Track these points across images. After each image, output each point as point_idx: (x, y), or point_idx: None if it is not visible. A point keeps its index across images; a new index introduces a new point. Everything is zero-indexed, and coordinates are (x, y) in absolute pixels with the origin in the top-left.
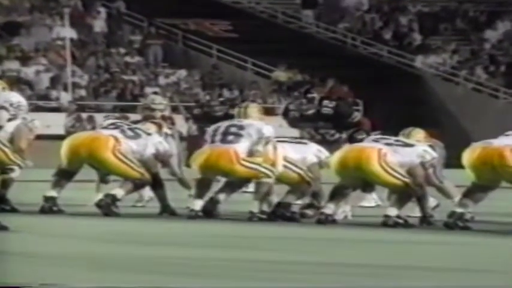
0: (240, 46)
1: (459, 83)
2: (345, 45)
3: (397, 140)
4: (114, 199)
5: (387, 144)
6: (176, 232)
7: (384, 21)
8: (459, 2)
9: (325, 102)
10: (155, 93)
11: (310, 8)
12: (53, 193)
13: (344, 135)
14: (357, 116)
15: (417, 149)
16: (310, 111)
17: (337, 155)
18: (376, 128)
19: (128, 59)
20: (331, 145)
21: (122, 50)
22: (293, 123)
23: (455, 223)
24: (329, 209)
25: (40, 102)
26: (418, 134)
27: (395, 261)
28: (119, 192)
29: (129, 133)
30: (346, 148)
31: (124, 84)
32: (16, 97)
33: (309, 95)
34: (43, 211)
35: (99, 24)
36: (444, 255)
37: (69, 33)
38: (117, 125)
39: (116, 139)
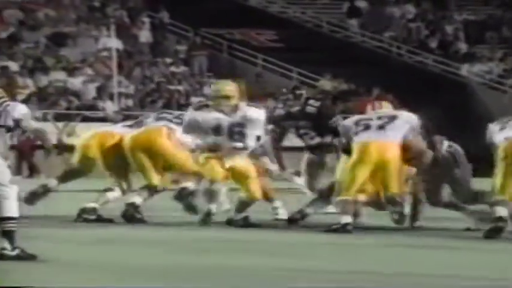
0: (285, 55)
1: (506, 92)
2: (391, 54)
3: None
4: (135, 207)
5: None
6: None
7: (430, 30)
8: (505, 10)
9: (311, 101)
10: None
11: (356, 17)
12: (136, 199)
13: (327, 140)
14: (338, 120)
15: None
16: (295, 108)
17: None
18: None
19: (173, 68)
20: (310, 150)
21: (168, 60)
22: (276, 121)
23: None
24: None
25: (87, 113)
26: None
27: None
28: (137, 199)
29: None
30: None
31: (170, 94)
32: None
33: (297, 92)
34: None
35: (145, 35)
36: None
37: (115, 43)
38: (164, 117)
39: (169, 128)
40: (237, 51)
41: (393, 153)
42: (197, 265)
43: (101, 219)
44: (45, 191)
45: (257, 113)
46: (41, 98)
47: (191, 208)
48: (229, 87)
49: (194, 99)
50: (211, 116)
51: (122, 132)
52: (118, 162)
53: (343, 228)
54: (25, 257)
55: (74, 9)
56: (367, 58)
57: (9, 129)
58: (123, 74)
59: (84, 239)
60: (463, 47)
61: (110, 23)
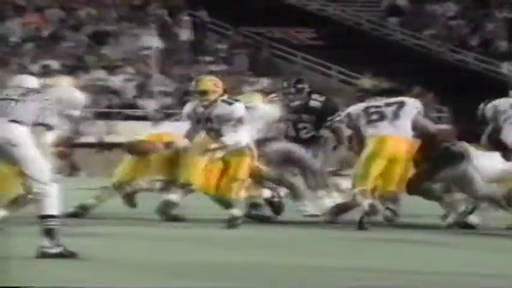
0: (325, 53)
1: None
2: (431, 52)
3: None
4: (170, 204)
5: None
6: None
7: (471, 27)
8: None
9: (315, 95)
10: None
11: (396, 15)
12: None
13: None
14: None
15: None
16: (296, 102)
17: None
18: (463, 137)
19: (213, 67)
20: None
21: (208, 59)
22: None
23: None
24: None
25: (127, 111)
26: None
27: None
28: (173, 197)
29: None
30: None
31: None
32: None
33: (299, 86)
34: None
35: (185, 33)
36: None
37: (155, 42)
38: None
39: None
40: (276, 49)
41: (407, 150)
42: (218, 262)
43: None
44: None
45: (229, 110)
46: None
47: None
48: (208, 82)
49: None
50: (197, 110)
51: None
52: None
53: (368, 214)
54: (67, 254)
55: (115, 8)
56: (408, 56)
57: (49, 128)
58: (164, 72)
59: (118, 236)
60: (503, 45)
61: (151, 22)
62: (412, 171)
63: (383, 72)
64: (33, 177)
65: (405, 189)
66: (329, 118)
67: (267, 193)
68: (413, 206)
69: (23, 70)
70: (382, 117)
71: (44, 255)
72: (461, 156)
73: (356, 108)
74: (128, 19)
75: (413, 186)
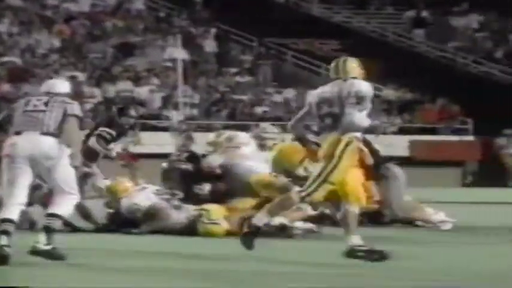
0: None
1: None
2: (455, 64)
3: None
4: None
5: None
6: None
7: (495, 40)
8: None
9: None
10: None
11: (421, 27)
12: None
13: None
14: None
15: None
16: None
17: None
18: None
19: (238, 78)
20: None
21: (233, 70)
22: None
23: None
24: None
25: (153, 122)
26: None
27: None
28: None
29: None
30: None
31: (234, 104)
32: None
33: None
34: None
35: (210, 44)
36: None
37: (181, 53)
38: None
39: None
40: (301, 60)
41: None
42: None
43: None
44: None
45: None
46: (107, 108)
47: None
48: None
49: (258, 109)
50: None
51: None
52: None
53: None
54: (55, 255)
55: (141, 19)
56: (432, 68)
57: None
58: (189, 83)
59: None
60: None
61: (176, 33)
62: None
63: (408, 84)
64: (64, 186)
65: None
66: None
67: None
68: None
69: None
70: None
71: (34, 250)
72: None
73: None
74: (154, 30)
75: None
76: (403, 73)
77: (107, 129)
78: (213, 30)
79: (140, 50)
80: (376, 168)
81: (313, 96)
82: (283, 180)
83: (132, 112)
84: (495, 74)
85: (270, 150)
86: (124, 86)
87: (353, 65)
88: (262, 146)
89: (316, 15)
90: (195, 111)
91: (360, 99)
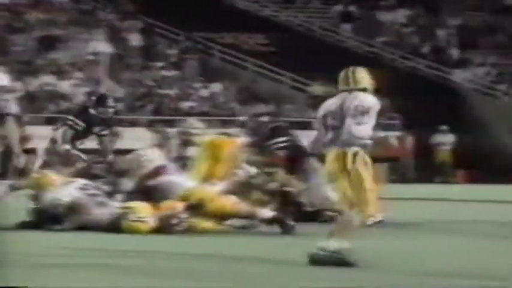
0: (276, 60)
1: (498, 97)
2: (383, 59)
3: None
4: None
5: None
6: None
7: (422, 35)
8: (497, 15)
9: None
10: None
11: (348, 21)
12: None
13: None
14: None
15: None
16: None
17: None
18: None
19: (164, 72)
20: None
21: (159, 64)
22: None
23: None
24: None
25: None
26: None
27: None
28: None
29: None
30: None
31: (160, 98)
32: None
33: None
34: None
35: (135, 38)
36: None
37: (105, 47)
38: None
39: None
40: (227, 55)
41: None
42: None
43: None
44: None
45: None
46: (29, 102)
47: None
48: None
49: (185, 104)
50: None
51: None
52: None
53: None
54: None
55: (64, 12)
56: (359, 63)
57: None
58: (113, 77)
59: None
60: (455, 52)
61: (101, 26)
62: None
63: (335, 78)
64: None
65: None
66: None
67: None
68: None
69: None
70: None
71: None
72: None
73: None
74: (77, 23)
75: None
76: (330, 68)
77: (75, 119)
78: (139, 24)
79: (63, 43)
80: (300, 163)
81: (321, 109)
82: (244, 207)
83: (111, 102)
84: (421, 69)
85: (196, 146)
86: (47, 79)
87: (362, 75)
88: (188, 142)
89: (243, 9)
90: (119, 106)
91: (362, 113)
